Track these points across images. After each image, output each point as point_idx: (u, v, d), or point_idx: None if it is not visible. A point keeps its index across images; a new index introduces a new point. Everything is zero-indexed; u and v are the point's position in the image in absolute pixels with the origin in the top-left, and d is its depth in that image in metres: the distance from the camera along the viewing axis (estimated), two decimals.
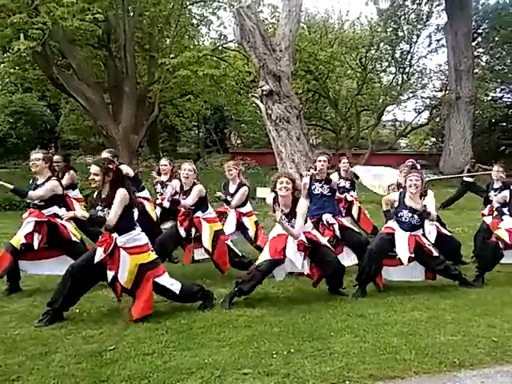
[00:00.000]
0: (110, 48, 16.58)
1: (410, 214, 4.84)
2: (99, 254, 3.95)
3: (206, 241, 5.16)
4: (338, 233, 5.43)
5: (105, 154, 5.92)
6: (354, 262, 5.48)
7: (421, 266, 4.99)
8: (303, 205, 4.57)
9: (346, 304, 4.50)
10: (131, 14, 16.05)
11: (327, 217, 5.48)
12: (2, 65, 17.64)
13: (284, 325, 3.94)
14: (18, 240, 4.70)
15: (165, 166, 6.58)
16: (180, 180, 5.52)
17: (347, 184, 7.21)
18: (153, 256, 4.16)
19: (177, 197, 5.39)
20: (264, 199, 6.40)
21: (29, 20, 12.14)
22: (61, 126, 26.32)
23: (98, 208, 4.03)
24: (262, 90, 10.93)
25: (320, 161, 5.51)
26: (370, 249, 4.89)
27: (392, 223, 4.99)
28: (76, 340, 3.63)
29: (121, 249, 3.97)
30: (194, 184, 5.31)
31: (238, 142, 36.13)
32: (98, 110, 15.88)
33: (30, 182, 5.22)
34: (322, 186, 5.55)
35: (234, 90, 19.95)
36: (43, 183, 4.93)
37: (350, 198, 7.23)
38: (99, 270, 3.99)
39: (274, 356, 3.36)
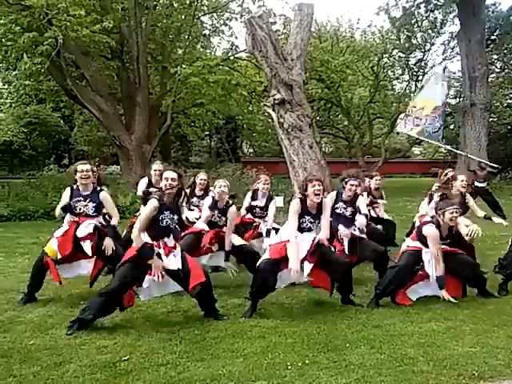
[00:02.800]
0: (122, 59, 16.85)
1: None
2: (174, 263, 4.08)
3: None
4: (346, 248, 5.32)
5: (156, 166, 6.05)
6: None
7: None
8: (328, 205, 4.70)
9: (362, 315, 4.43)
10: (144, 25, 16.29)
11: (341, 229, 5.36)
12: (16, 77, 18.01)
13: (298, 336, 3.89)
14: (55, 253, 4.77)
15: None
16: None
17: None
18: None
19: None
20: (277, 208, 6.43)
21: (38, 38, 12.40)
22: (74, 137, 26.73)
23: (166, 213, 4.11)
24: (274, 99, 10.92)
25: (352, 185, 5.33)
26: (399, 267, 4.75)
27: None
28: (90, 350, 3.62)
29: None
30: (228, 204, 5.31)
31: (250, 151, 36.25)
32: (112, 121, 16.10)
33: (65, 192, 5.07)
34: (345, 208, 5.43)
35: (245, 100, 20.07)
36: (90, 194, 4.95)
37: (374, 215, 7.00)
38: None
39: (289, 367, 3.31)
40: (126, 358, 3.48)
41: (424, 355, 3.49)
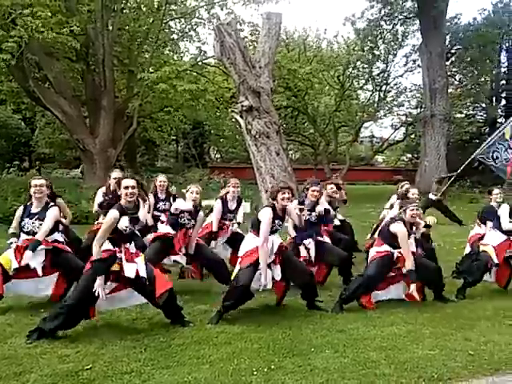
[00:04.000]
0: (88, 61, 16.51)
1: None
2: (131, 271, 4.00)
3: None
4: (312, 256, 5.44)
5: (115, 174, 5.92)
6: None
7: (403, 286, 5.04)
8: (293, 210, 4.89)
9: (326, 319, 4.51)
10: (110, 27, 16.04)
11: (306, 242, 5.49)
12: None
13: (264, 341, 3.92)
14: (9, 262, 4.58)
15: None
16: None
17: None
18: None
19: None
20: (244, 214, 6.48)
21: (4, 34, 12.03)
22: (36, 140, 25.93)
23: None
24: (242, 106, 11.01)
25: (314, 190, 5.51)
26: (368, 276, 4.84)
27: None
28: (52, 359, 3.53)
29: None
30: (198, 208, 5.38)
31: (218, 156, 36.20)
32: (75, 124, 15.73)
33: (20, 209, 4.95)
34: (309, 214, 5.56)
35: (213, 105, 20.04)
36: (40, 211, 4.79)
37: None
38: None
39: (255, 373, 3.33)
40: (88, 366, 3.41)
41: (386, 358, 3.60)
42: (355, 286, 4.86)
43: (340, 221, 7.16)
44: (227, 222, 6.19)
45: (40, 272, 4.64)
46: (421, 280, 5.00)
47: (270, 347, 3.80)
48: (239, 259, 4.67)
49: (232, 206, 6.28)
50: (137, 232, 4.29)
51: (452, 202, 12.04)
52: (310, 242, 5.47)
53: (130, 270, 4.02)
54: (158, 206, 6.56)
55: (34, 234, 4.71)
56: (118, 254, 4.06)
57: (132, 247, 4.18)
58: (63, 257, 4.86)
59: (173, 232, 5.29)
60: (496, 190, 6.25)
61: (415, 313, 4.71)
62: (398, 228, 4.81)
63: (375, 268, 4.87)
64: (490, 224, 5.92)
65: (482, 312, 4.78)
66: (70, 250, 5.01)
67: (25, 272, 4.63)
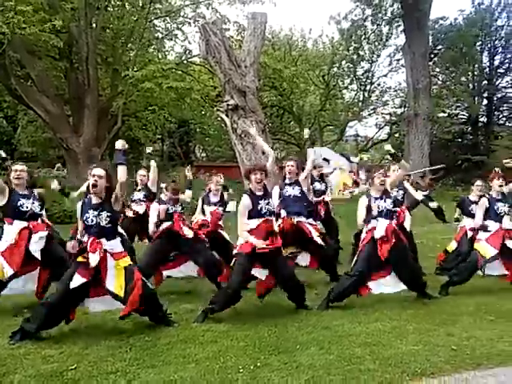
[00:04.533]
0: (71, 60, 16.33)
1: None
2: (94, 260, 3.88)
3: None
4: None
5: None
6: None
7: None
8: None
9: (312, 317, 4.54)
10: (94, 26, 15.88)
11: (310, 221, 5.65)
12: None
13: (250, 339, 3.93)
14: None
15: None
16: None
17: (323, 186, 7.30)
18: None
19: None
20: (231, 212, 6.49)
21: None
22: (18, 138, 25.53)
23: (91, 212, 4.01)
24: (228, 105, 10.99)
25: (288, 165, 5.72)
26: (359, 272, 4.84)
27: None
28: (36, 360, 3.50)
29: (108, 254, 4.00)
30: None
31: (203, 155, 36.07)
32: (58, 122, 15.55)
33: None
34: (292, 188, 5.71)
35: (199, 104, 19.98)
36: (31, 194, 4.81)
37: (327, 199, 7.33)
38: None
39: (241, 371, 3.34)
40: (73, 367, 3.38)
41: (370, 354, 3.63)
42: (346, 285, 4.85)
43: (326, 218, 7.22)
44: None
45: (38, 256, 4.61)
46: (402, 280, 5.04)
47: (256, 345, 3.81)
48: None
49: (215, 199, 6.35)
50: (108, 224, 4.09)
51: (436, 199, 12.20)
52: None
53: (93, 260, 3.89)
54: (136, 198, 6.79)
55: (34, 214, 4.72)
56: (85, 244, 3.99)
57: (111, 244, 4.06)
58: (54, 247, 4.86)
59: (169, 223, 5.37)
60: (478, 182, 6.33)
61: (399, 309, 4.76)
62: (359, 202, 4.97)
63: (362, 263, 4.87)
64: (468, 221, 6.01)
65: (465, 308, 4.86)
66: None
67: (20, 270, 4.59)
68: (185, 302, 4.94)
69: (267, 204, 4.62)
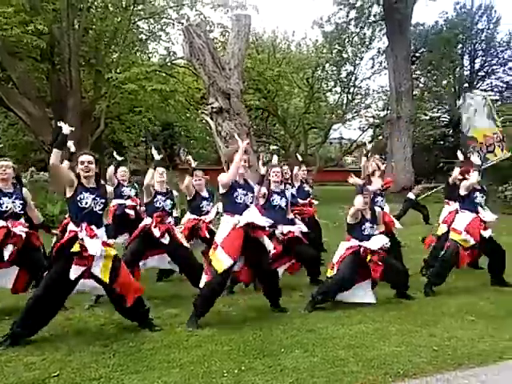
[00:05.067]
0: (53, 61, 16.09)
1: None
2: (94, 247, 3.85)
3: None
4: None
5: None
6: None
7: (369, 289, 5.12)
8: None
9: (296, 319, 4.56)
10: (76, 27, 15.70)
11: (282, 228, 5.52)
12: None
13: (235, 343, 3.94)
14: None
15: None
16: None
17: (308, 188, 7.41)
18: None
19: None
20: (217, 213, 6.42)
21: None
22: None
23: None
24: (212, 108, 11.01)
25: (274, 172, 5.58)
26: (343, 277, 4.89)
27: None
28: (17, 367, 3.44)
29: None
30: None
31: (188, 158, 35.87)
32: (40, 125, 15.31)
33: None
34: (281, 199, 5.60)
35: (183, 107, 19.90)
36: (14, 191, 4.67)
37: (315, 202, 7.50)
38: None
39: (225, 375, 3.34)
40: (55, 374, 3.34)
41: (354, 356, 3.67)
42: (328, 287, 4.91)
43: (311, 221, 7.29)
44: (202, 217, 6.08)
45: (6, 256, 4.45)
46: (388, 281, 5.15)
47: (241, 349, 3.81)
48: (214, 245, 4.51)
49: (205, 194, 6.13)
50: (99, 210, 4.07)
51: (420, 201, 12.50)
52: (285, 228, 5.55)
53: (93, 247, 3.86)
54: (123, 190, 6.92)
55: (16, 214, 4.59)
56: (79, 234, 3.89)
57: (99, 233, 4.01)
58: (31, 251, 4.71)
59: (149, 221, 5.23)
60: (457, 169, 6.36)
61: (382, 311, 4.82)
62: (355, 202, 4.99)
63: (346, 268, 4.92)
64: (456, 205, 6.06)
65: (446, 309, 4.94)
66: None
67: None
68: (169, 307, 4.91)
69: (245, 195, 4.54)
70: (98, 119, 17.19)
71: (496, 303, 5.13)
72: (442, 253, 5.72)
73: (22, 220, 4.74)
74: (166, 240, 5.14)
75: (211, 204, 6.13)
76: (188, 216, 5.98)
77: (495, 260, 5.77)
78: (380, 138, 27.96)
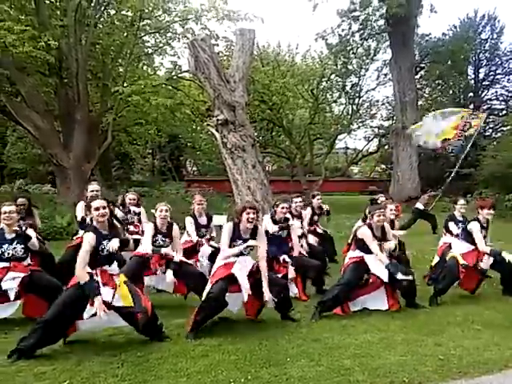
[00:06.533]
0: (61, 76, 16.38)
1: None
2: (108, 294, 3.95)
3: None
4: (291, 274, 5.51)
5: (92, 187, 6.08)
6: None
7: (384, 296, 5.17)
8: (263, 233, 4.85)
9: (302, 329, 4.59)
10: (84, 42, 15.99)
11: (284, 257, 5.64)
12: None
13: (241, 352, 3.97)
14: None
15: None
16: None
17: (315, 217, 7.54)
18: None
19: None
20: (220, 226, 6.51)
21: None
22: (8, 155, 25.46)
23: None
24: (217, 120, 11.14)
25: (283, 208, 5.74)
26: (345, 283, 4.99)
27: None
28: (28, 377, 3.50)
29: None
30: (170, 224, 5.38)
31: (194, 169, 36.13)
32: (48, 138, 15.54)
33: None
34: (282, 230, 5.73)
35: (189, 119, 20.11)
36: (16, 236, 4.68)
37: (319, 231, 7.57)
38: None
39: None
40: (65, 383, 3.39)
41: (359, 365, 3.69)
42: (334, 294, 4.97)
43: (320, 233, 7.43)
44: (200, 239, 6.18)
45: (12, 297, 4.51)
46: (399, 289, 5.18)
47: (247, 358, 3.85)
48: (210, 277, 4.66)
49: (203, 221, 6.34)
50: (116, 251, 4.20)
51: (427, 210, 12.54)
52: (286, 258, 5.61)
53: (106, 294, 3.97)
54: (127, 217, 6.83)
55: (17, 259, 4.62)
56: (95, 277, 4.00)
57: (113, 268, 4.16)
58: (37, 278, 4.70)
59: (150, 253, 5.23)
60: (461, 201, 6.48)
61: (388, 320, 4.84)
62: (362, 231, 5.10)
63: (350, 273, 5.06)
64: (456, 231, 6.13)
65: (452, 318, 4.94)
66: (40, 269, 4.90)
67: None
68: (176, 317, 4.95)
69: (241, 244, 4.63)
70: (105, 132, 17.44)
71: (502, 312, 5.13)
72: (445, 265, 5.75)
73: (27, 261, 4.75)
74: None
75: (209, 229, 6.37)
76: (185, 238, 6.16)
77: (506, 277, 5.79)
78: (386, 147, 28.02)
